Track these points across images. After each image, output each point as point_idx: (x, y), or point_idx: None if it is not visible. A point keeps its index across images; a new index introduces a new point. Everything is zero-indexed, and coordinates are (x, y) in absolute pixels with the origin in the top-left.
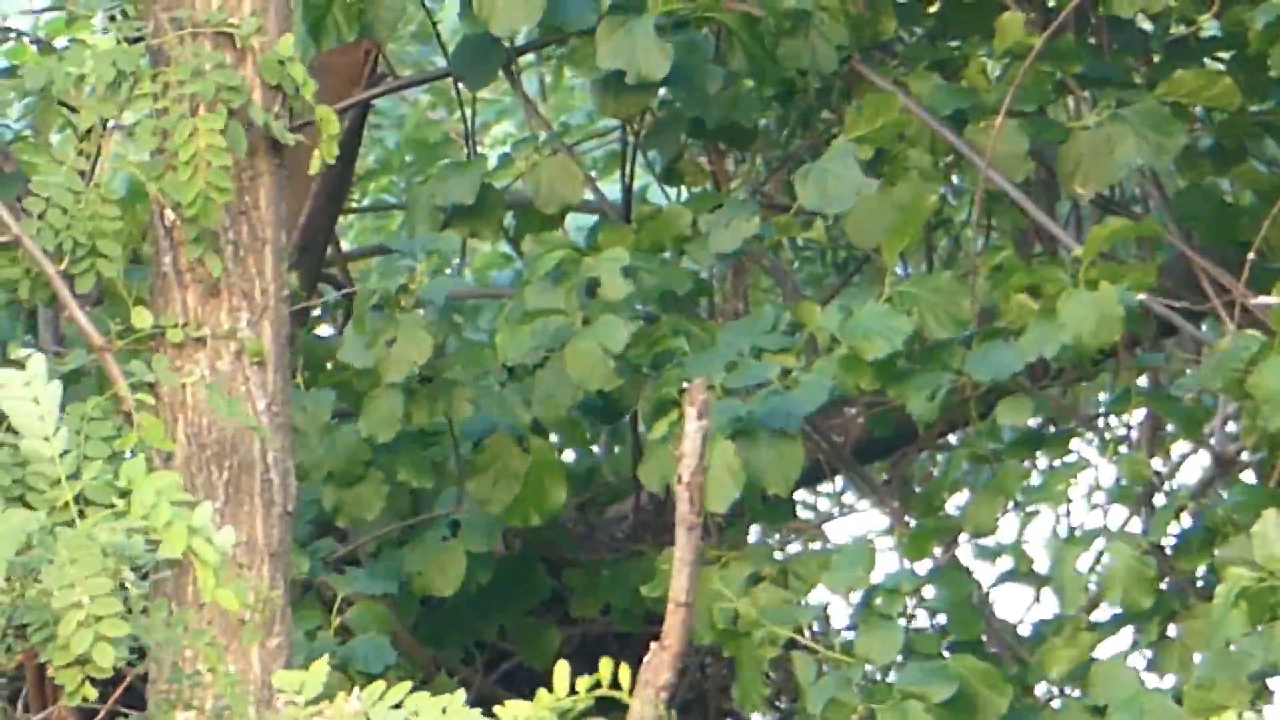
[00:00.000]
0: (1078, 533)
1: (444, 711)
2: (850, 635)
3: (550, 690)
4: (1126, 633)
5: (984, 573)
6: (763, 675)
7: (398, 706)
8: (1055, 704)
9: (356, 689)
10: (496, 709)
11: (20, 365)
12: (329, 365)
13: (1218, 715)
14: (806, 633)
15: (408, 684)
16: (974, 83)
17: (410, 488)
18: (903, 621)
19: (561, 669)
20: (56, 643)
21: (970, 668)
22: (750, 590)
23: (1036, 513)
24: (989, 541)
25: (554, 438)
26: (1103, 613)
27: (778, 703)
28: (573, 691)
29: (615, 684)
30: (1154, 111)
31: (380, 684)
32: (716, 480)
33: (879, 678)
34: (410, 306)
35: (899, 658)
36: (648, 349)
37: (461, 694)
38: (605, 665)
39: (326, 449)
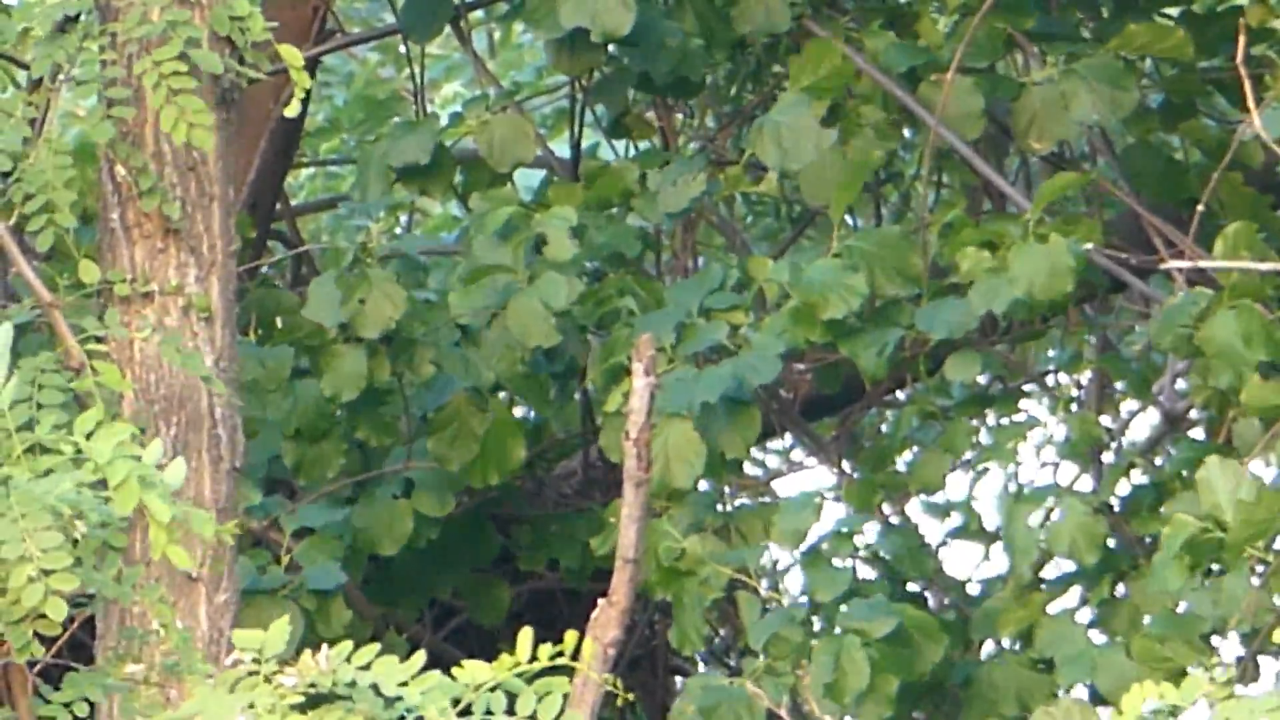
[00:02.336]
0: (1028, 490)
1: (407, 679)
2: (796, 586)
3: (502, 648)
4: (1074, 591)
5: (932, 530)
6: (703, 617)
7: (365, 668)
8: (998, 659)
9: (325, 647)
10: (455, 670)
11: None
12: (279, 321)
13: (1166, 666)
14: (752, 575)
15: (375, 645)
16: (927, 38)
17: (362, 446)
18: (848, 563)
19: (525, 635)
20: (7, 597)
21: (909, 615)
22: (693, 538)
23: (986, 470)
24: (938, 499)
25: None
26: (1051, 572)
27: (714, 639)
28: (534, 657)
29: (576, 654)
30: (1108, 66)
31: (348, 643)
32: (679, 457)
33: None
34: (373, 265)
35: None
36: (595, 308)
37: (421, 656)
38: (570, 637)
39: (289, 406)
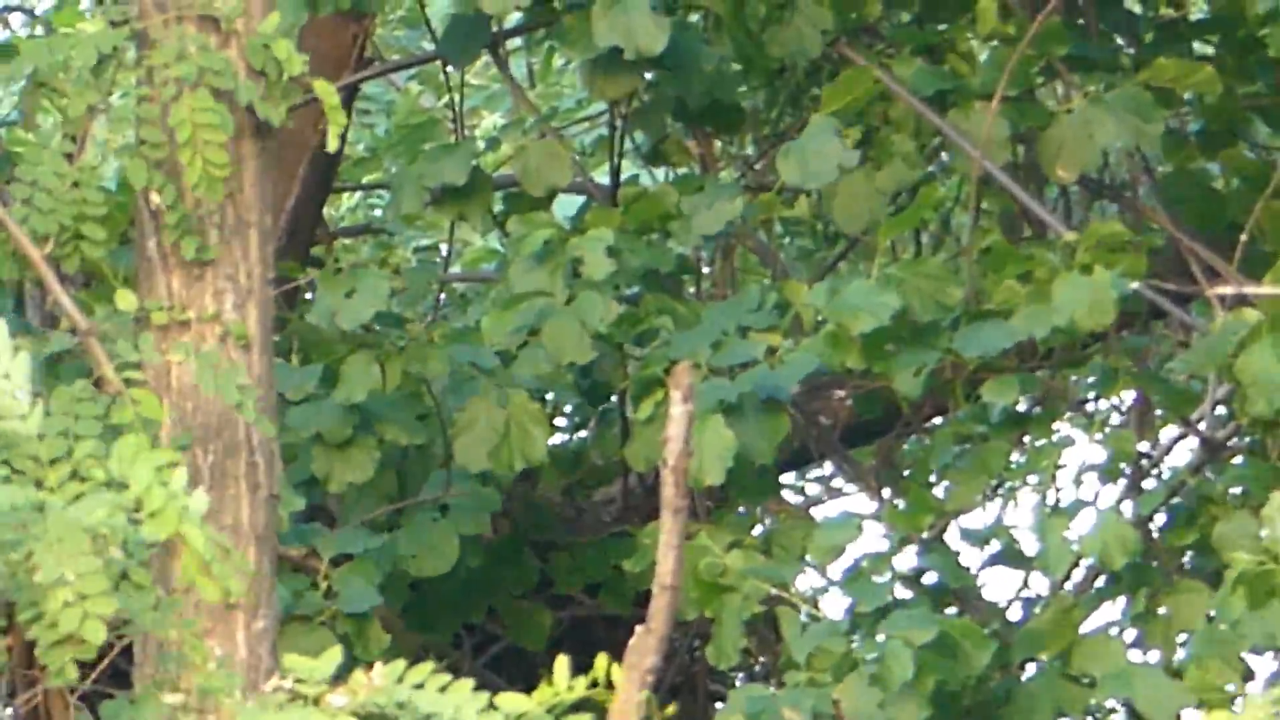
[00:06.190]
0: (1063, 505)
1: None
2: (833, 608)
3: (543, 675)
4: (1111, 608)
5: (972, 557)
6: (741, 632)
7: (419, 687)
8: (1038, 674)
9: (378, 664)
10: (496, 698)
11: None
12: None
13: (1212, 693)
14: (792, 590)
15: (429, 664)
16: (957, 67)
17: (398, 472)
18: (887, 578)
19: (561, 664)
20: (44, 621)
21: (952, 625)
22: (734, 552)
23: (1018, 488)
24: (977, 525)
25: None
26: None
27: (753, 665)
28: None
29: (610, 682)
30: (1135, 96)
31: (400, 663)
32: (710, 452)
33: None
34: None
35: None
36: (632, 327)
37: (469, 682)
38: (601, 661)
39: (312, 416)
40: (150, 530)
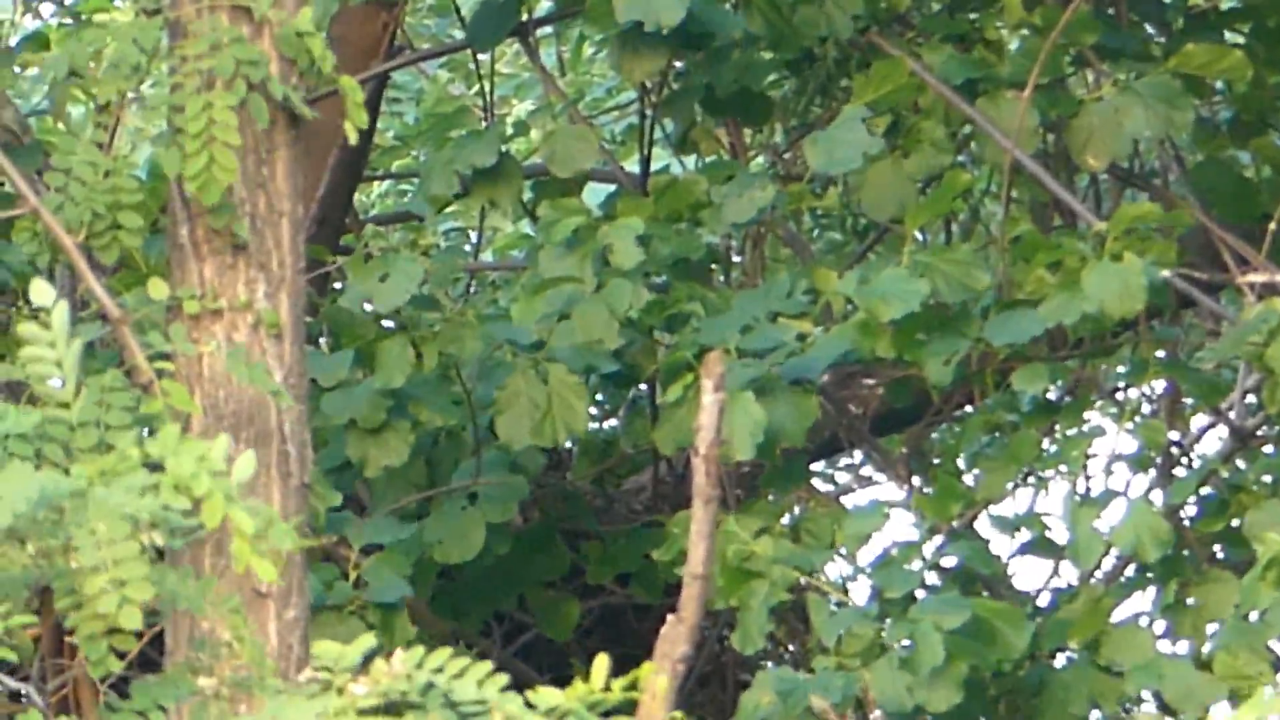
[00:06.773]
0: (1093, 495)
1: (479, 684)
2: (861, 595)
3: (573, 663)
4: (1140, 598)
5: (1002, 546)
6: (768, 618)
7: (439, 670)
8: (1070, 664)
9: (399, 651)
10: (529, 694)
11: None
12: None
13: (1242, 682)
14: (820, 577)
15: (448, 650)
16: (985, 56)
17: (427, 460)
18: (918, 565)
19: (601, 662)
20: (83, 611)
21: (988, 608)
22: (763, 538)
23: (1048, 477)
24: (1007, 514)
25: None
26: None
27: (781, 654)
28: (607, 688)
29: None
30: (1164, 84)
31: (420, 649)
32: (740, 428)
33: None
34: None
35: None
36: (662, 313)
37: (488, 663)
38: (648, 668)
39: (345, 401)
40: (202, 518)
